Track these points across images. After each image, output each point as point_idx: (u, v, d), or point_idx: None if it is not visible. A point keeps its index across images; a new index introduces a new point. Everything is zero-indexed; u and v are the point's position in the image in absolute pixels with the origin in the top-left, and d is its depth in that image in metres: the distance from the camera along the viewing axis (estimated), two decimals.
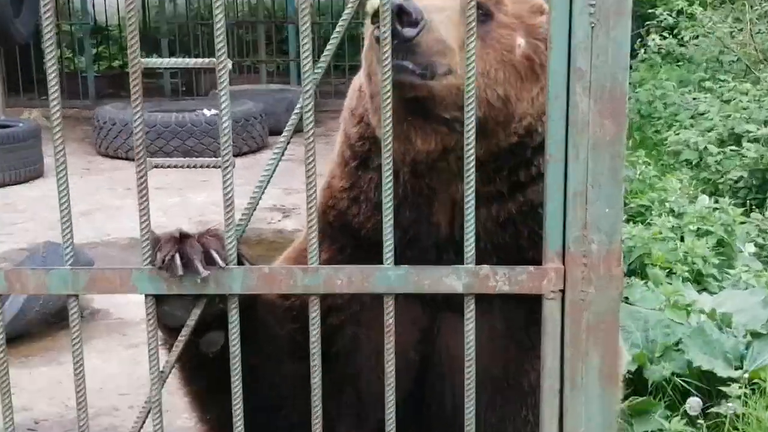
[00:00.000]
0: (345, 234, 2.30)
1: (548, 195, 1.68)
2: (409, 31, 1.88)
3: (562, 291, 1.70)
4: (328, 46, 1.74)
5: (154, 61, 1.62)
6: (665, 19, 13.28)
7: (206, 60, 1.61)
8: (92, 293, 1.84)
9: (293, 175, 9.07)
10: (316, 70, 1.69)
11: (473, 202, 1.72)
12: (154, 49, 15.63)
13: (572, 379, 1.70)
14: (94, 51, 15.67)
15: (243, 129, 9.70)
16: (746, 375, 4.00)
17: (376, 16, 1.86)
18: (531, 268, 1.71)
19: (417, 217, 2.20)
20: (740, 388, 3.91)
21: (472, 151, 1.69)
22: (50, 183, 8.33)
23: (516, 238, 2.16)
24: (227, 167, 1.69)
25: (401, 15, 1.86)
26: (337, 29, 1.71)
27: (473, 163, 1.69)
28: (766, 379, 4.03)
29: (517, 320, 2.20)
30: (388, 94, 1.66)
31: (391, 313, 1.74)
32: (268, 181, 1.84)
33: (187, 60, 1.61)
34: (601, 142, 1.64)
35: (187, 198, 8.03)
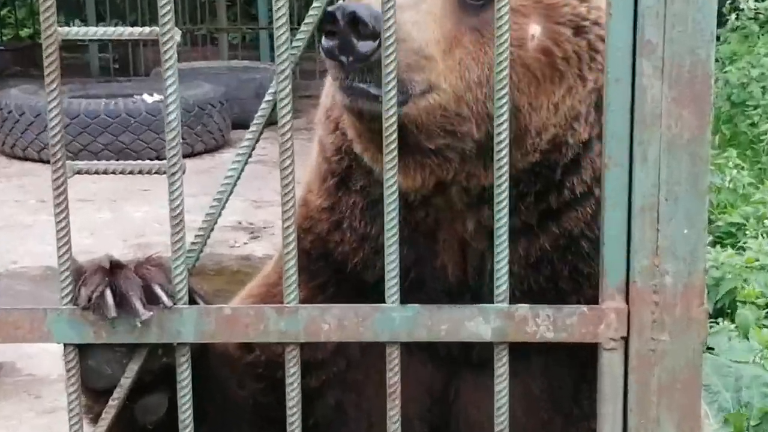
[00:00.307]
0: (326, 266, 2.31)
1: (607, 212, 1.68)
2: (365, 46, 1.87)
3: (626, 339, 1.70)
4: (310, 11, 1.74)
5: (77, 31, 1.62)
6: None
7: (146, 29, 1.62)
8: None
9: (264, 182, 9.08)
10: (294, 44, 1.70)
11: (506, 230, 1.72)
12: (77, 14, 15.72)
13: None
14: None
15: (197, 121, 9.73)
16: None
17: (327, 21, 1.86)
18: (584, 308, 1.72)
19: (417, 257, 2.21)
20: None
21: (506, 168, 1.70)
22: None
23: (553, 280, 2.17)
24: (175, 173, 1.69)
25: (355, 24, 1.84)
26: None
27: (506, 186, 1.70)
28: None
29: (562, 381, 2.21)
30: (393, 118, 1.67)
31: (395, 369, 1.75)
32: (231, 191, 1.85)
33: (120, 29, 1.62)
34: (678, 140, 1.65)
35: (122, 213, 8.04)
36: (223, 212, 1.84)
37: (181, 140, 1.69)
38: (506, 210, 1.72)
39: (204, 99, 9.88)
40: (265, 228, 8.04)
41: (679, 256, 1.67)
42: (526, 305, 1.74)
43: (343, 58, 1.88)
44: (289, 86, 1.70)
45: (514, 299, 2.07)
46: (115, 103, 9.62)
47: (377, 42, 1.84)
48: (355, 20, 1.83)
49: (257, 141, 1.84)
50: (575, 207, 2.11)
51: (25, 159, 9.68)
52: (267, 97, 1.75)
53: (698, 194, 1.66)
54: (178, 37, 1.64)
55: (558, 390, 2.22)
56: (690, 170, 1.66)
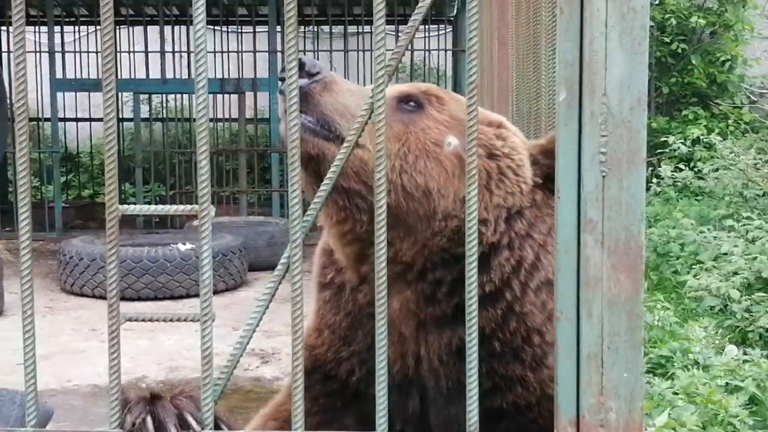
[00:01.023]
0: (316, 377, 2.27)
1: (560, 357, 1.68)
2: (302, 81, 1.98)
3: None
4: (321, 189, 1.77)
5: (133, 208, 1.65)
6: (679, 148, 13.56)
7: (188, 207, 1.64)
8: None
9: (275, 315, 9.05)
10: (305, 219, 1.72)
11: (475, 359, 1.72)
12: (128, 177, 15.89)
13: None
14: (63, 179, 15.88)
15: (220, 265, 9.74)
16: None
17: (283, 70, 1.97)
18: None
19: (371, 343, 2.11)
20: None
21: (474, 266, 1.69)
22: (10, 323, 8.30)
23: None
24: (206, 321, 1.69)
25: (301, 67, 1.99)
26: (329, 174, 1.75)
27: (474, 292, 1.70)
28: None
29: None
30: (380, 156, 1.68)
31: None
32: (251, 335, 1.84)
33: (167, 207, 1.63)
34: (617, 299, 1.65)
35: (157, 341, 7.96)
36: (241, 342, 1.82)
37: (212, 295, 1.69)
38: (475, 341, 1.70)
39: (226, 247, 9.91)
40: (273, 354, 7.94)
41: (620, 395, 1.66)
42: None
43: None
44: (300, 253, 1.71)
45: (446, 389, 2.09)
46: (155, 251, 9.65)
47: (310, 79, 2.02)
48: (300, 64, 1.97)
49: (276, 290, 1.84)
50: (485, 306, 2.04)
51: (81, 295, 9.65)
52: (282, 261, 1.75)
53: (634, 344, 1.67)
54: (212, 214, 1.66)
55: None
56: (628, 324, 1.66)
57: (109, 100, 1.62)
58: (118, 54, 16.27)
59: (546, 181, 2.13)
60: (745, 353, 6.63)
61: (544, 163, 2.15)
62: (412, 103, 2.13)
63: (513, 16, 4.00)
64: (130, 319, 1.68)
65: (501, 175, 2.10)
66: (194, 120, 11.22)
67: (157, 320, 1.70)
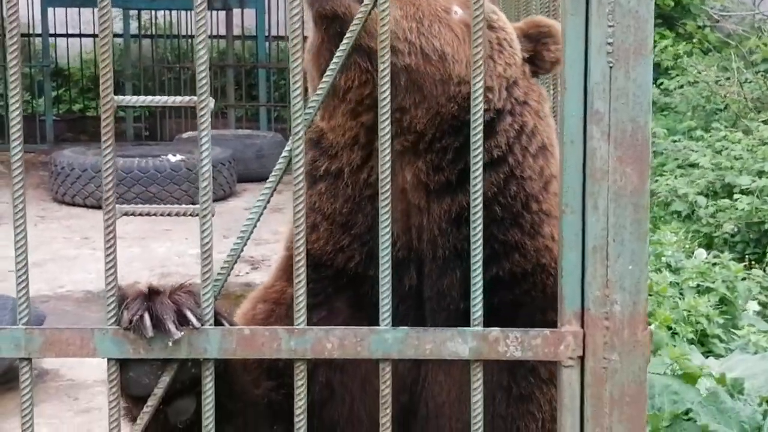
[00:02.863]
0: (315, 274, 2.16)
1: (564, 249, 1.59)
2: None
3: (582, 358, 1.60)
4: (321, 84, 1.64)
5: (129, 99, 1.53)
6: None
7: (186, 98, 1.52)
8: (49, 356, 1.70)
9: (263, 224, 8.96)
10: (307, 110, 1.60)
11: (480, 253, 1.62)
12: (117, 91, 15.59)
13: None
14: (54, 94, 15.56)
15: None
16: None
17: None
18: (546, 331, 1.61)
19: (372, 224, 2.04)
20: None
21: (479, 152, 1.59)
22: (1, 231, 8.16)
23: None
24: (206, 215, 1.58)
25: None
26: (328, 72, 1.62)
27: (480, 174, 1.60)
28: None
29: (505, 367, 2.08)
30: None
31: (387, 383, 1.63)
32: (250, 234, 1.74)
33: (165, 98, 1.51)
34: (623, 191, 1.56)
35: (149, 248, 7.87)
36: (229, 248, 1.72)
37: (211, 190, 1.58)
38: (480, 230, 1.63)
39: (216, 159, 9.75)
40: (263, 261, 7.89)
41: (625, 288, 1.57)
42: (497, 329, 1.63)
43: None
44: (302, 146, 1.60)
45: (447, 259, 2.02)
46: (146, 162, 9.49)
47: None
48: None
49: (273, 192, 1.72)
50: (489, 171, 1.99)
51: (72, 205, 9.51)
52: (283, 154, 1.63)
53: (640, 236, 1.58)
54: (212, 106, 1.53)
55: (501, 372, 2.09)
56: (633, 217, 1.57)
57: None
58: None
59: (530, 58, 2.16)
60: (715, 256, 6.63)
61: (526, 44, 2.16)
62: None
63: None
64: (127, 214, 1.57)
65: (500, 46, 2.08)
66: (183, 37, 10.96)
67: (155, 214, 1.59)
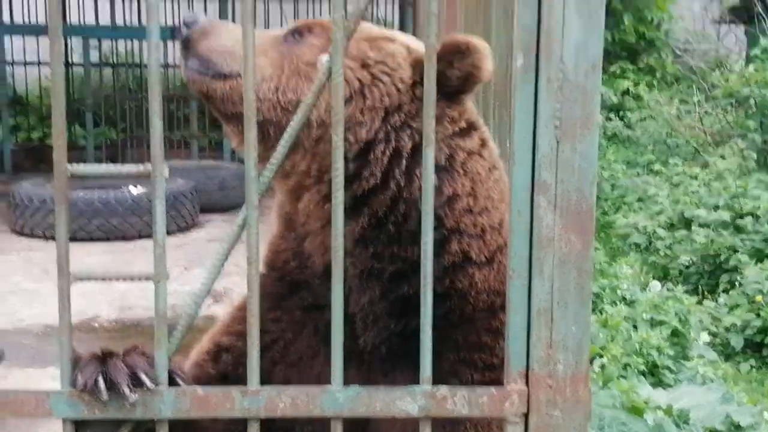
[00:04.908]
0: (283, 286, 2.31)
1: (511, 312, 1.64)
2: (183, 30, 2.24)
3: (526, 415, 1.65)
4: (282, 141, 1.69)
5: (83, 170, 1.55)
6: (610, 98, 13.69)
7: (140, 167, 1.55)
8: (4, 416, 1.72)
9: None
10: (264, 174, 1.64)
11: (430, 307, 1.67)
12: (78, 120, 15.48)
13: None
14: (12, 122, 15.41)
15: (172, 207, 9.54)
16: None
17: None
18: (492, 389, 1.67)
19: (298, 257, 2.25)
20: None
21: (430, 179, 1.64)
22: None
23: (379, 260, 2.12)
24: (160, 281, 1.61)
25: (183, 21, 2.25)
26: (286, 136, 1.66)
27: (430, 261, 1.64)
28: None
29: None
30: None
31: None
32: (212, 284, 1.76)
33: (119, 167, 1.54)
34: (568, 258, 1.62)
35: (110, 282, 7.81)
36: (191, 280, 1.76)
37: (165, 253, 1.60)
38: (430, 282, 1.67)
39: (178, 190, 9.70)
40: (224, 293, 7.85)
41: (568, 348, 1.64)
42: (445, 387, 1.68)
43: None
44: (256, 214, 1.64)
45: (358, 278, 2.11)
46: (107, 194, 9.41)
47: (188, 29, 2.24)
48: (184, 20, 2.25)
49: (237, 239, 1.75)
50: (376, 194, 2.10)
51: (32, 236, 9.40)
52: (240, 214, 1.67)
53: (583, 300, 1.64)
54: (166, 174, 1.57)
55: None
56: (577, 281, 1.63)
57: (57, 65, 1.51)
58: None
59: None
60: (668, 290, 6.74)
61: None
62: (297, 35, 2.24)
63: None
64: (81, 279, 1.59)
65: (374, 80, 2.14)
66: (145, 66, 10.89)
67: (110, 279, 1.61)
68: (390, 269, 2.11)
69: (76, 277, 1.58)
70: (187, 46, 2.25)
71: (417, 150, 2.09)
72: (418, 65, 2.14)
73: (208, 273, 1.67)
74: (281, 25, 17.17)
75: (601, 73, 1.62)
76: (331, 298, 1.66)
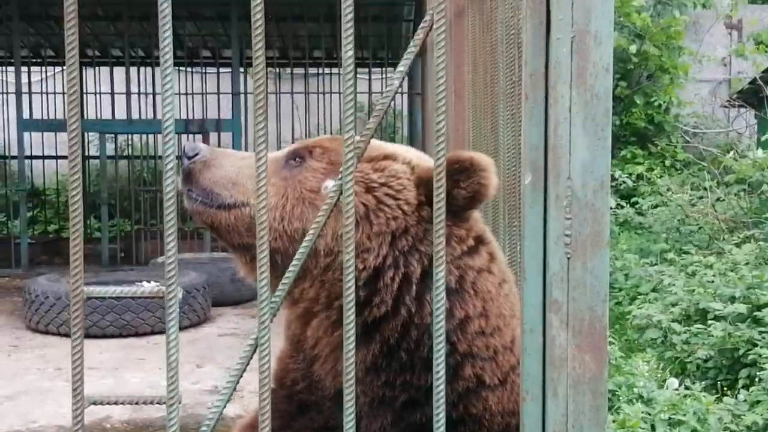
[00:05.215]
0: (291, 404, 2.31)
1: None
2: (184, 161, 2.27)
3: None
4: (295, 259, 1.70)
5: (99, 290, 1.56)
6: (624, 182, 13.72)
7: (155, 288, 1.56)
8: None
9: (236, 351, 8.90)
10: (273, 299, 1.65)
11: (443, 370, 1.65)
12: (93, 212, 15.62)
13: None
14: (29, 215, 15.56)
15: (184, 302, 9.54)
16: None
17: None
18: None
19: (308, 381, 2.27)
20: None
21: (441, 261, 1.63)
22: None
23: (391, 387, 2.10)
24: (173, 404, 1.60)
25: (183, 152, 2.26)
26: (297, 256, 1.68)
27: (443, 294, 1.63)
28: None
29: None
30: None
31: None
32: (232, 392, 1.76)
33: (134, 289, 1.55)
34: (582, 378, 1.61)
35: (122, 379, 7.76)
36: (203, 378, 1.75)
37: (178, 375, 1.60)
38: (443, 376, 1.64)
39: (190, 284, 9.71)
40: (237, 391, 7.76)
41: None
42: None
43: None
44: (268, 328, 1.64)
45: (368, 405, 2.10)
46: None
47: (190, 160, 2.27)
48: (184, 150, 2.29)
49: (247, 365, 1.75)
50: (386, 320, 2.08)
51: (47, 333, 9.39)
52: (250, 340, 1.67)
53: (598, 422, 1.61)
54: (180, 295, 1.58)
55: None
56: (592, 403, 1.61)
57: (75, 167, 1.54)
58: (85, 95, 16.10)
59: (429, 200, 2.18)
60: (687, 388, 6.63)
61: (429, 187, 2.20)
62: (297, 159, 2.25)
63: (469, 71, 3.96)
64: (95, 403, 1.59)
65: (380, 204, 2.13)
66: (160, 158, 11.02)
67: (122, 403, 1.61)
68: (402, 397, 2.10)
69: (89, 401, 1.58)
70: (190, 178, 2.28)
71: (426, 274, 2.08)
72: (422, 184, 2.13)
73: (220, 396, 1.66)
74: (292, 116, 17.37)
75: (609, 190, 1.63)
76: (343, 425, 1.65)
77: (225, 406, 1.75)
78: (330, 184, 2.17)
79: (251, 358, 1.71)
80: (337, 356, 2.12)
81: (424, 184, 2.13)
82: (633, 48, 15.42)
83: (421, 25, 1.60)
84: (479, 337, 2.08)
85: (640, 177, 14.45)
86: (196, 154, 2.28)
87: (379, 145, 2.26)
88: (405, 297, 2.09)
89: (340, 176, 1.99)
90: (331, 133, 16.90)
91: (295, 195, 2.19)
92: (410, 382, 2.08)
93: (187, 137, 14.74)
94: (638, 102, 15.92)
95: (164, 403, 1.62)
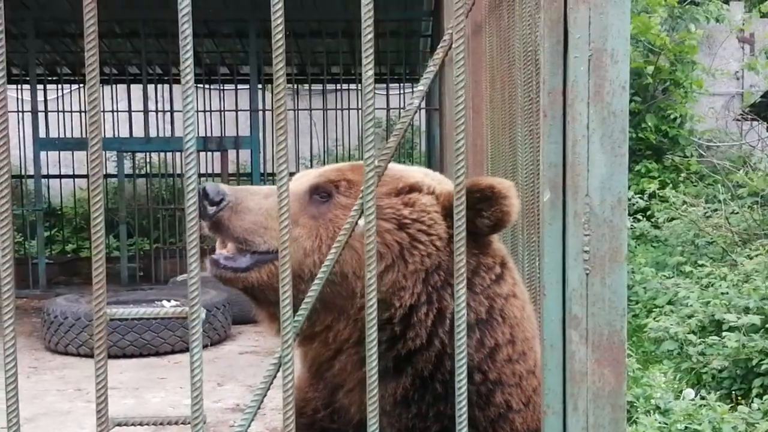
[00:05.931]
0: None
1: None
2: (210, 209, 2.10)
3: None
4: (307, 296, 1.71)
5: (121, 312, 1.57)
6: (637, 202, 13.73)
7: (178, 309, 1.57)
8: None
9: (258, 369, 8.90)
10: (296, 318, 1.66)
11: (464, 387, 1.65)
12: (111, 230, 15.70)
13: None
14: (46, 234, 15.63)
15: (205, 321, 9.58)
16: None
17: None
18: None
19: (333, 411, 2.24)
20: None
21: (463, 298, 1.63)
22: None
23: (422, 418, 2.09)
24: (197, 424, 1.61)
25: (206, 197, 2.10)
26: (318, 278, 1.69)
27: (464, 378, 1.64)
28: None
29: None
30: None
31: None
32: (257, 410, 1.77)
33: (156, 309, 1.57)
34: (601, 392, 1.61)
35: (143, 399, 7.77)
36: (224, 396, 1.76)
37: (202, 399, 1.61)
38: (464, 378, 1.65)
39: (211, 303, 9.74)
40: (259, 410, 7.76)
41: None
42: None
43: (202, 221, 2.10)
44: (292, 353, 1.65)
45: None
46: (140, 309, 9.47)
47: (216, 207, 2.10)
48: (204, 194, 2.11)
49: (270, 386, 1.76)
50: (419, 353, 2.07)
51: (66, 354, 9.41)
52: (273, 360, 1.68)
53: None
54: (203, 315, 1.59)
55: None
56: (611, 416, 1.62)
57: (97, 196, 1.55)
58: (102, 113, 16.18)
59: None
60: (702, 398, 6.61)
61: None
62: (323, 194, 2.16)
63: (486, 87, 3.97)
64: (120, 424, 1.60)
65: (413, 242, 2.10)
66: (179, 176, 11.02)
67: (147, 424, 1.62)
68: (434, 428, 2.08)
69: (114, 423, 1.59)
70: (220, 227, 2.12)
71: None
72: (449, 215, 2.09)
73: (244, 415, 1.67)
74: (310, 132, 17.29)
75: (626, 207, 1.64)
76: None
77: (249, 425, 1.75)
78: (361, 222, 2.12)
79: (275, 377, 1.72)
80: (365, 388, 2.14)
81: (451, 215, 2.08)
82: (650, 69, 15.43)
83: (441, 44, 1.62)
84: (507, 364, 2.07)
85: (652, 196, 14.43)
86: (222, 200, 2.12)
87: (400, 173, 2.20)
88: (438, 330, 2.08)
89: (377, 214, 1.97)
90: (349, 149, 16.98)
91: (329, 235, 2.10)
92: (444, 412, 2.07)
93: (206, 155, 14.83)
94: (651, 118, 15.92)
95: (189, 423, 1.63)
